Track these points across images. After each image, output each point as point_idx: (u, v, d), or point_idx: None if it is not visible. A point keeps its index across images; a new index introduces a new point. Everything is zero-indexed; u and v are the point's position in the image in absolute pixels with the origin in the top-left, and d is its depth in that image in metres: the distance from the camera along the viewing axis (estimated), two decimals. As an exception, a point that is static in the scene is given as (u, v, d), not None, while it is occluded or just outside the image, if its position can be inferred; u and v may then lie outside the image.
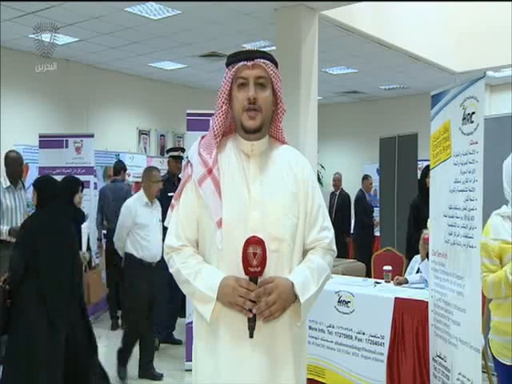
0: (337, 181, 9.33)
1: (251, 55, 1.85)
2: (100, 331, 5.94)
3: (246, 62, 1.83)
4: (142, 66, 9.05)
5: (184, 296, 5.29)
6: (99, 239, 6.44)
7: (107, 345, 5.44)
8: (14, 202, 5.10)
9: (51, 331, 3.38)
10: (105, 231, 6.47)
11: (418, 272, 4.52)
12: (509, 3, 7.13)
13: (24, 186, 5.37)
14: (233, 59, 1.87)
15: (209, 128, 1.94)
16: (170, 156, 5.78)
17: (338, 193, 9.17)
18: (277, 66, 1.90)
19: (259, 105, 1.83)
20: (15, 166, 5.21)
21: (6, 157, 5.27)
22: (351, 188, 9.75)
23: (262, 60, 1.84)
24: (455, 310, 3.18)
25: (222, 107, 1.88)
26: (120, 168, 6.87)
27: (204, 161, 1.86)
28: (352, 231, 8.94)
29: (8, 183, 5.12)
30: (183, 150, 5.91)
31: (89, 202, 6.58)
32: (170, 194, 5.43)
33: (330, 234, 1.94)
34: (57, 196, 3.65)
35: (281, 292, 1.74)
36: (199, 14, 6.46)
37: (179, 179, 5.46)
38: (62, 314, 3.43)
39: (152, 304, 4.68)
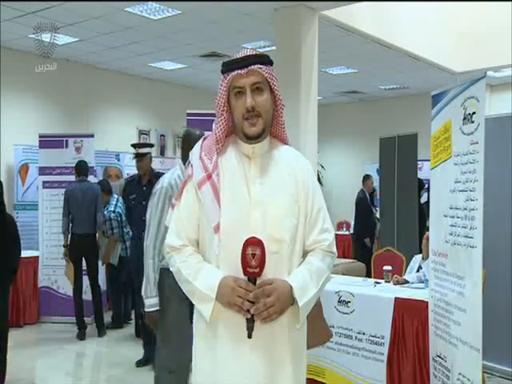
0: None
1: (245, 63, 1.83)
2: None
3: (240, 71, 1.82)
4: (142, 66, 9.04)
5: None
6: (65, 246, 6.08)
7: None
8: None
9: None
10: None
11: (418, 271, 4.52)
12: (509, 3, 7.13)
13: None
14: (227, 68, 1.86)
15: (209, 128, 1.94)
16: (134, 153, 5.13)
17: None
18: (272, 64, 1.89)
19: (258, 110, 1.83)
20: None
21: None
22: (351, 188, 9.75)
23: (256, 66, 1.83)
24: (455, 309, 3.18)
25: (222, 115, 1.88)
26: (87, 167, 6.32)
27: (205, 166, 1.86)
28: (352, 231, 8.93)
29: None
30: (151, 145, 5.43)
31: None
32: (131, 197, 5.08)
33: (330, 236, 1.93)
34: None
35: (279, 294, 1.74)
36: (199, 14, 6.46)
37: (150, 180, 4.81)
38: None
39: None
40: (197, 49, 8.00)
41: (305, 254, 1.91)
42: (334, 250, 1.94)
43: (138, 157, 5.01)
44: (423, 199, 7.52)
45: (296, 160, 1.96)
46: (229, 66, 1.86)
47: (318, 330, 2.81)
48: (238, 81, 1.83)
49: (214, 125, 1.91)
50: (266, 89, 1.85)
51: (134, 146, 5.22)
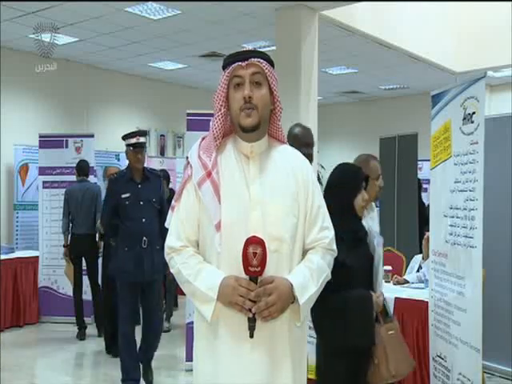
0: None
1: (246, 55, 1.87)
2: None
3: (240, 63, 1.85)
4: (142, 66, 9.05)
5: None
6: (65, 246, 6.08)
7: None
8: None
9: None
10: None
11: (418, 271, 4.52)
12: (509, 3, 7.14)
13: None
14: (228, 61, 1.89)
15: (209, 128, 1.94)
16: (128, 145, 4.38)
17: None
18: (273, 66, 1.91)
19: (255, 103, 1.84)
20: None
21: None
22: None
23: (256, 59, 1.86)
24: (455, 309, 3.18)
25: (220, 110, 1.89)
26: (88, 167, 6.27)
27: (203, 164, 1.86)
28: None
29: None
30: (144, 133, 4.60)
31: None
32: (123, 196, 4.29)
33: (329, 234, 1.94)
34: None
35: (280, 293, 1.74)
36: (199, 14, 6.46)
37: (145, 177, 4.39)
38: None
39: None
40: (197, 49, 8.01)
41: (305, 252, 1.92)
42: (334, 247, 1.95)
43: (138, 147, 4.33)
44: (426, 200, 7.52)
45: (295, 159, 1.96)
46: (230, 59, 1.88)
47: (404, 356, 2.72)
48: (237, 71, 1.86)
49: (211, 122, 1.92)
50: (264, 84, 1.87)
51: (132, 135, 4.42)
